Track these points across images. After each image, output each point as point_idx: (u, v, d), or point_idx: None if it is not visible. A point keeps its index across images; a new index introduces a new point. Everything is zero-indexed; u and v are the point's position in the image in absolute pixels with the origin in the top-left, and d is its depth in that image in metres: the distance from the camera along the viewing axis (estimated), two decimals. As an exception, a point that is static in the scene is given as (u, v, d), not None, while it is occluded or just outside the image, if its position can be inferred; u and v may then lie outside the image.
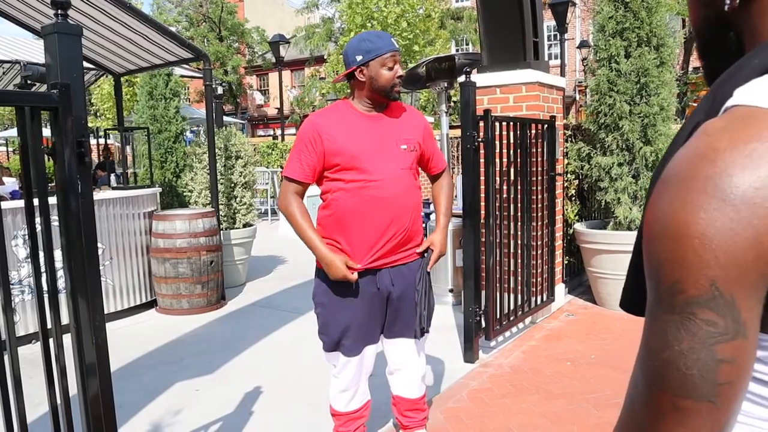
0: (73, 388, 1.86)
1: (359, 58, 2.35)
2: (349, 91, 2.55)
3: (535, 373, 3.99)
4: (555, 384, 3.81)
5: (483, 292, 4.30)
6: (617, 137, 5.31)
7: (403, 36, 16.15)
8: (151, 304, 5.67)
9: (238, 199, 6.46)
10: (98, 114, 16.11)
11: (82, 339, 1.85)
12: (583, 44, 19.86)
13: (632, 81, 5.23)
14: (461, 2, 28.27)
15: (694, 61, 21.81)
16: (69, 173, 1.67)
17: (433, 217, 5.93)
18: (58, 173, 1.68)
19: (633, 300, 0.70)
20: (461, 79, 4.40)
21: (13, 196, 7.72)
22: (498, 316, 4.43)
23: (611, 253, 5.33)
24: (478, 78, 4.92)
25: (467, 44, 24.65)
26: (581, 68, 21.23)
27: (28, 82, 5.04)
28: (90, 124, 8.55)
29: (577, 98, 23.42)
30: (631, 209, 5.35)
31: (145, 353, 4.47)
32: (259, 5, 34.15)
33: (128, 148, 6.82)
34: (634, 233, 5.34)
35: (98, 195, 5.13)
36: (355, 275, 2.39)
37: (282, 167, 14.91)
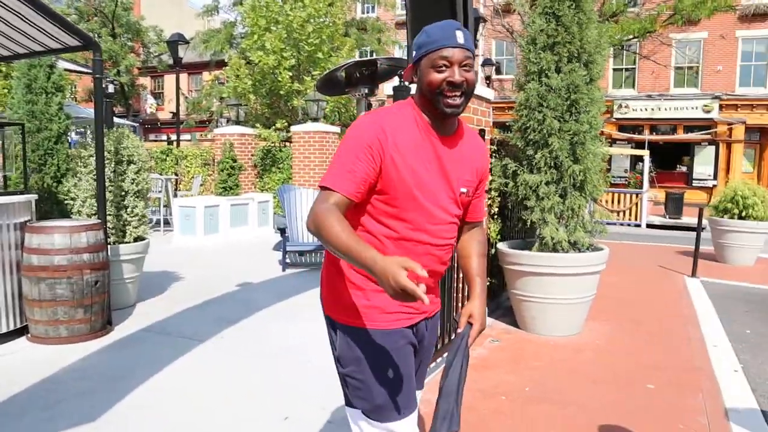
0: None
1: (414, 53, 1.85)
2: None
3: (470, 410, 3.61)
4: (493, 422, 3.46)
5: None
6: (546, 154, 5.10)
7: (309, 42, 15.67)
8: (21, 332, 4.82)
9: (129, 210, 5.71)
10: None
11: None
12: (486, 62, 20.26)
13: (563, 97, 5.05)
14: (367, 13, 28.21)
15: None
16: None
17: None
18: None
19: None
20: (388, 84, 4.03)
21: None
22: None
23: (537, 276, 5.11)
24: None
25: (371, 54, 24.52)
26: (485, 85, 21.63)
27: None
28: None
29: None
30: (557, 229, 5.15)
31: (11, 396, 3.69)
32: (157, 3, 32.49)
33: (-2, 148, 5.90)
34: (562, 255, 5.18)
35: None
36: (422, 288, 1.52)
37: (176, 174, 14.00)
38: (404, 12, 27.97)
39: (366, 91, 5.54)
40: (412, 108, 1.87)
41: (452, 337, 1.98)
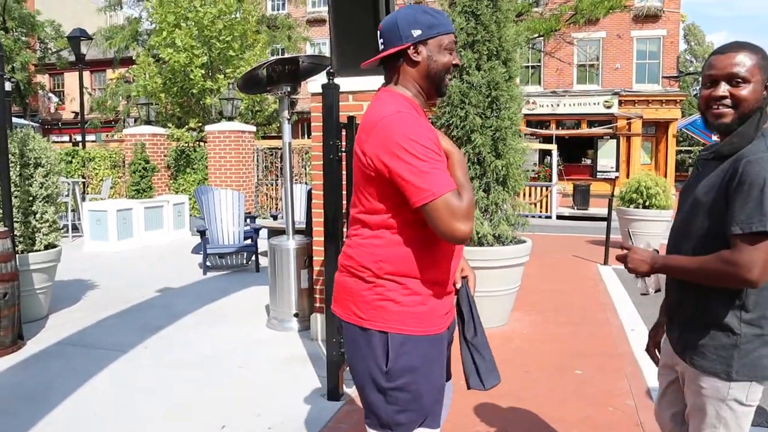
0: None
1: (417, 33, 1.79)
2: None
3: (408, 406, 3.63)
4: (432, 418, 3.49)
5: (347, 319, 3.86)
6: (469, 150, 5.19)
7: (221, 39, 15.27)
8: None
9: (38, 216, 5.36)
10: None
11: None
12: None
13: (484, 94, 5.15)
14: (277, 11, 27.88)
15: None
16: None
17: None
18: None
19: None
20: (316, 81, 3.98)
21: None
22: (362, 345, 4.02)
23: (464, 269, 5.19)
24: (332, 83, 4.51)
25: (283, 52, 24.26)
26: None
27: None
28: None
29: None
30: (482, 224, 5.25)
31: None
32: (53, -3, 30.73)
33: None
34: (488, 249, 5.29)
35: None
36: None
37: (84, 176, 13.27)
38: (315, 9, 27.83)
39: (288, 89, 5.46)
40: (407, 100, 1.81)
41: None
